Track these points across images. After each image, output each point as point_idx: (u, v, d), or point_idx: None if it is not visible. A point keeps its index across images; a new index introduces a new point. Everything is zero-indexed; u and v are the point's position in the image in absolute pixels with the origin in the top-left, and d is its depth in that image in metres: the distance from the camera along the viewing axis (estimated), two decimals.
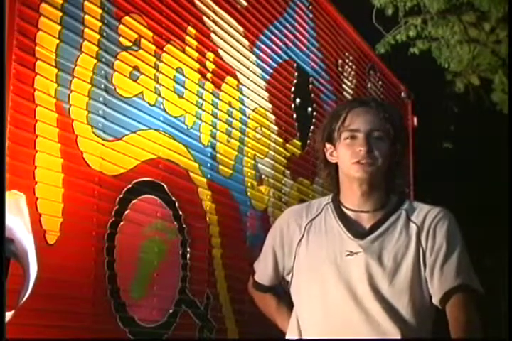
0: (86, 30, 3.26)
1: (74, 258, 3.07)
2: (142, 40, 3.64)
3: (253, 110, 4.68)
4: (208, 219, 4.08)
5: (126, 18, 3.54)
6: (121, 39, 3.50)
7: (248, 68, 4.64)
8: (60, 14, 3.11)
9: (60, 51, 3.09)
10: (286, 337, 2.48)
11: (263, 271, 2.54)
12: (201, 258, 3.98)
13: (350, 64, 6.32)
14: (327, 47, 5.88)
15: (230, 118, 4.38)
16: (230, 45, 4.44)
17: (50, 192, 2.96)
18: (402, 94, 7.67)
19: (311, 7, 5.63)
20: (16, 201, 2.77)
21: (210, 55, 4.22)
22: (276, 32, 5.03)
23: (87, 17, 3.27)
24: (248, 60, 4.65)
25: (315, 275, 2.38)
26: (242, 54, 4.57)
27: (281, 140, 5.02)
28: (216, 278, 4.09)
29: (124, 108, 3.48)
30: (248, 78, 4.63)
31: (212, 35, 4.26)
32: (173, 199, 3.76)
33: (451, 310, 2.29)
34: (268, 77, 4.90)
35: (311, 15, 5.61)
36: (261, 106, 4.79)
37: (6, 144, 2.68)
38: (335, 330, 2.33)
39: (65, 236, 2.99)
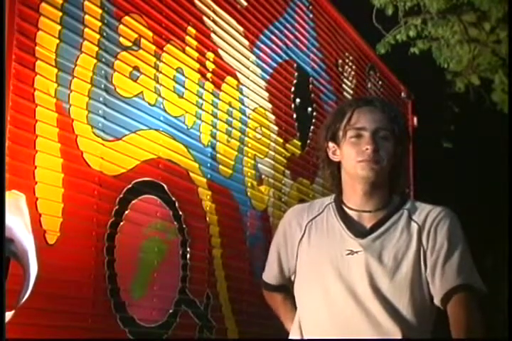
0: (86, 30, 3.26)
1: (74, 258, 3.07)
2: (142, 40, 3.64)
3: (253, 110, 4.68)
4: (208, 219, 4.08)
5: (126, 18, 3.54)
6: (121, 39, 3.50)
7: (248, 68, 4.64)
8: (60, 14, 3.11)
9: (60, 51, 3.09)
10: (290, 337, 2.48)
11: (269, 271, 2.56)
12: (201, 258, 3.98)
13: (350, 64, 6.32)
14: (327, 47, 5.88)
15: (230, 118, 4.38)
16: (230, 45, 4.44)
17: (50, 192, 2.96)
18: (402, 94, 7.67)
19: (311, 7, 5.63)
20: (16, 201, 2.77)
21: (210, 55, 4.22)
22: (277, 32, 5.03)
23: (87, 17, 3.27)
24: (248, 60, 4.65)
25: (316, 274, 2.38)
26: (242, 54, 4.57)
27: (281, 140, 5.02)
28: (216, 278, 4.09)
29: (124, 108, 3.48)
30: (248, 78, 4.63)
31: (212, 35, 4.26)
32: (173, 199, 3.76)
33: (453, 310, 2.29)
34: (268, 77, 4.90)
35: (311, 16, 5.61)
36: (261, 106, 4.79)
37: (6, 144, 2.68)
38: (336, 329, 2.32)
39: (65, 236, 2.99)
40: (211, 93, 4.20)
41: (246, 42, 4.64)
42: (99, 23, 3.35)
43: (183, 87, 3.95)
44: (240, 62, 4.54)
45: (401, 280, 2.31)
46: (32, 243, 2.79)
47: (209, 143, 4.15)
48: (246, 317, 4.20)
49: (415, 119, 7.84)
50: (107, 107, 3.36)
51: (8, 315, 2.58)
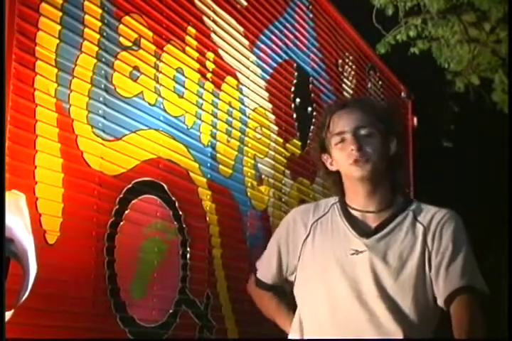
0: (86, 30, 3.26)
1: (74, 258, 3.07)
2: (142, 40, 3.64)
3: (253, 110, 4.68)
4: (208, 219, 4.08)
5: (126, 18, 3.54)
6: (121, 39, 3.50)
7: (248, 68, 4.64)
8: (60, 14, 3.11)
9: (60, 51, 3.09)
10: (289, 337, 2.47)
11: (266, 269, 2.54)
12: (201, 258, 3.98)
13: (350, 64, 6.32)
14: (327, 47, 5.88)
15: (230, 118, 4.38)
16: (230, 45, 4.44)
17: (50, 192, 2.96)
18: (402, 94, 7.67)
19: (311, 7, 5.63)
20: (16, 201, 2.77)
21: (210, 54, 4.22)
22: (277, 32, 5.03)
23: (87, 17, 3.27)
24: (248, 59, 4.65)
25: (320, 273, 2.38)
26: (242, 54, 4.57)
27: (281, 140, 5.02)
28: (216, 278, 4.09)
29: (124, 108, 3.48)
30: (248, 78, 4.63)
31: (212, 35, 4.26)
32: (173, 199, 3.76)
33: (455, 311, 2.29)
34: (268, 77, 4.90)
35: (311, 15, 5.61)
36: (261, 106, 4.79)
37: (6, 144, 2.68)
38: (338, 329, 2.32)
39: (65, 236, 2.99)
40: (211, 93, 4.20)
41: (246, 42, 4.64)
42: (99, 23, 3.35)
43: (183, 86, 3.95)
44: (240, 62, 4.54)
45: (405, 281, 2.31)
46: (32, 243, 2.79)
47: (209, 143, 4.15)
48: (246, 317, 4.20)
49: (415, 119, 7.84)
50: (107, 107, 3.36)
51: (8, 314, 2.58)
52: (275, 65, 5.01)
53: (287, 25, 5.20)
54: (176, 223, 3.79)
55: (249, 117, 4.62)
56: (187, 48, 4.00)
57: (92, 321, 3.14)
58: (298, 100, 5.28)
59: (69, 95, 3.13)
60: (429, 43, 8.37)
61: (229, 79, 4.41)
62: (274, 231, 2.61)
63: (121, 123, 3.45)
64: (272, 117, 4.93)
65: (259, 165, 4.70)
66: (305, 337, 2.40)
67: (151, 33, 3.70)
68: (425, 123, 8.06)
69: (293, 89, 5.25)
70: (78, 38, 3.21)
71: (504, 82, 8.35)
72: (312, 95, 5.54)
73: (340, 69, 6.13)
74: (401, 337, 2.28)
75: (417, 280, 2.32)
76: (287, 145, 5.10)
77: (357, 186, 2.38)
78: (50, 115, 3.01)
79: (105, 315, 3.24)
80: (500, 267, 8.32)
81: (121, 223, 3.36)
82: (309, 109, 5.47)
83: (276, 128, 4.97)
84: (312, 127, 5.43)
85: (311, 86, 5.55)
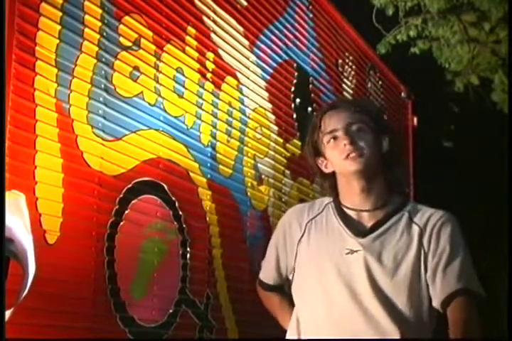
0: (86, 30, 3.26)
1: (74, 258, 3.07)
2: (142, 40, 3.64)
3: (253, 110, 4.68)
4: (208, 219, 4.08)
5: (126, 17, 3.54)
6: (121, 39, 3.50)
7: (248, 68, 4.64)
8: (60, 14, 3.11)
9: (60, 51, 3.09)
10: (287, 337, 2.48)
11: (267, 270, 2.56)
12: (201, 258, 3.98)
13: (350, 64, 6.32)
14: (327, 47, 5.88)
15: (230, 118, 4.38)
16: (230, 45, 4.44)
17: (50, 192, 2.96)
18: (402, 94, 7.67)
19: (311, 7, 5.63)
20: (15, 201, 2.77)
21: (210, 54, 4.22)
22: (276, 32, 5.03)
23: (87, 17, 3.27)
24: (248, 59, 4.65)
25: (315, 273, 2.38)
26: (242, 54, 4.57)
27: (281, 140, 5.02)
28: (216, 278, 4.09)
29: (124, 108, 3.48)
30: (248, 78, 4.63)
31: (212, 35, 4.26)
32: (173, 199, 3.76)
33: (452, 313, 2.29)
34: (268, 77, 4.90)
35: (311, 15, 5.61)
36: (261, 106, 4.79)
37: (6, 144, 2.68)
38: (334, 328, 2.33)
39: (65, 236, 2.99)
40: (211, 93, 4.20)
41: (246, 42, 4.64)
42: (99, 23, 3.35)
43: (183, 86, 3.95)
44: (240, 62, 4.54)
45: (400, 281, 2.31)
46: (32, 243, 2.79)
47: (209, 143, 4.15)
48: (246, 317, 4.20)
49: (415, 119, 7.84)
50: (107, 107, 3.36)
51: (7, 313, 2.58)
52: (275, 64, 5.01)
53: (287, 25, 5.20)
54: (175, 223, 3.79)
55: (249, 117, 4.62)
56: (187, 48, 4.00)
57: (92, 321, 3.14)
58: (298, 100, 5.28)
59: (69, 95, 3.13)
60: (429, 43, 8.38)
61: (229, 79, 4.41)
62: (273, 231, 2.62)
63: (121, 124, 3.45)
64: (272, 117, 4.93)
65: (259, 165, 4.70)
66: (302, 337, 2.41)
67: (151, 33, 3.70)
68: (425, 123, 8.06)
69: (293, 89, 5.25)
70: (78, 38, 3.22)
71: (504, 82, 8.36)
72: (312, 95, 5.54)
73: (340, 69, 6.13)
74: (397, 336, 2.28)
75: (411, 281, 2.32)
76: (287, 145, 5.10)
77: (352, 182, 2.38)
78: (50, 115, 3.01)
79: (105, 315, 3.24)
80: (498, 268, 8.32)
81: (121, 223, 3.36)
82: (309, 109, 5.47)
83: (276, 128, 4.97)
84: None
85: (311, 86, 5.55)
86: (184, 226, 3.83)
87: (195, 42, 4.08)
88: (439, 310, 2.33)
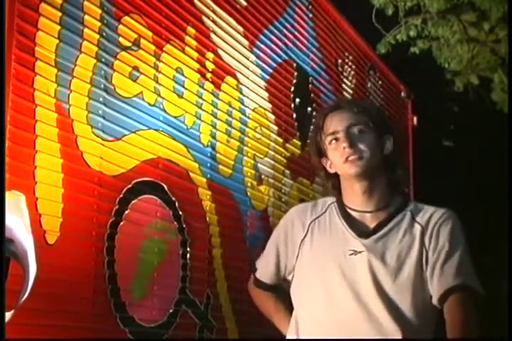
0: (86, 30, 3.26)
1: (74, 258, 3.07)
2: (142, 40, 3.64)
3: (253, 110, 4.68)
4: (207, 219, 4.08)
5: (126, 18, 3.54)
6: (120, 39, 3.50)
7: (248, 68, 4.64)
8: (60, 14, 3.11)
9: (59, 51, 3.09)
10: (287, 337, 2.48)
11: (265, 269, 2.55)
12: (201, 258, 3.98)
13: (349, 64, 6.32)
14: (327, 47, 5.87)
15: (229, 118, 4.38)
16: (230, 45, 4.44)
17: (50, 192, 2.96)
18: (402, 93, 7.67)
19: (310, 7, 5.63)
20: (15, 201, 2.77)
21: (209, 55, 4.22)
22: (276, 32, 5.03)
23: (86, 17, 3.27)
24: (248, 59, 4.65)
25: (318, 273, 2.38)
26: (241, 54, 4.57)
27: (281, 140, 5.02)
28: (216, 278, 4.09)
29: (123, 108, 3.48)
30: (248, 78, 4.63)
31: (212, 35, 4.26)
32: (173, 199, 3.76)
33: (449, 309, 2.30)
34: (268, 77, 4.90)
35: (310, 15, 5.61)
36: (261, 106, 4.79)
37: (6, 144, 2.68)
38: (337, 329, 2.33)
39: (65, 236, 2.99)
40: (211, 93, 4.20)
41: (246, 42, 4.64)
42: (99, 23, 3.35)
43: (183, 87, 3.95)
44: (240, 62, 4.54)
45: (404, 281, 2.32)
46: (32, 243, 2.79)
47: (209, 143, 4.15)
48: (246, 317, 4.20)
49: (415, 119, 7.83)
50: (107, 107, 3.36)
51: (8, 315, 2.58)
52: (275, 64, 5.01)
53: (287, 25, 5.20)
54: (175, 223, 3.79)
55: (248, 117, 4.62)
56: (186, 48, 4.00)
57: (92, 321, 3.14)
58: (298, 100, 5.28)
59: (69, 95, 3.13)
60: (429, 43, 8.38)
61: (228, 79, 4.41)
62: (274, 230, 2.62)
63: (121, 124, 3.45)
64: (272, 117, 4.93)
65: (259, 165, 4.70)
66: (301, 337, 2.41)
67: (150, 33, 3.70)
68: (425, 123, 8.06)
69: (293, 89, 5.25)
70: (78, 38, 3.21)
71: (503, 82, 8.36)
72: (312, 95, 5.54)
73: (339, 69, 6.13)
74: (400, 337, 2.28)
75: (415, 281, 2.32)
76: (287, 145, 5.10)
77: (353, 184, 2.39)
78: (49, 115, 3.01)
79: (105, 314, 3.24)
80: (498, 267, 8.32)
81: (121, 223, 3.36)
82: (309, 108, 5.46)
83: (276, 128, 4.97)
84: (312, 127, 5.43)
85: (310, 86, 5.55)
86: (184, 226, 3.83)
87: (194, 43, 4.08)
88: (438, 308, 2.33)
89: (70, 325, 3.02)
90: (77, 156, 3.15)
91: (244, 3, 4.64)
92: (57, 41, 3.08)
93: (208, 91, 4.17)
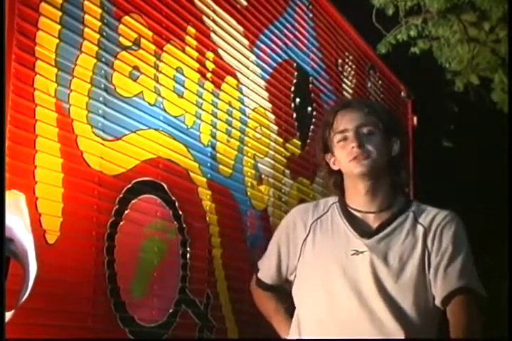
0: (86, 29, 3.26)
1: (74, 258, 3.07)
2: (142, 39, 3.64)
3: (253, 110, 4.68)
4: (207, 218, 4.08)
5: (126, 17, 3.54)
6: (121, 39, 3.49)
7: (248, 68, 4.64)
8: (60, 14, 3.11)
9: (59, 51, 3.09)
10: (288, 337, 2.48)
11: (266, 269, 2.55)
12: (201, 258, 3.98)
13: (350, 63, 6.32)
14: (327, 46, 5.87)
15: (229, 118, 4.38)
16: (230, 45, 4.44)
17: (50, 192, 2.96)
18: (402, 93, 7.66)
19: (311, 7, 5.63)
20: (15, 201, 2.77)
21: (209, 54, 4.22)
22: (276, 31, 5.03)
23: (86, 17, 3.27)
24: (248, 59, 4.65)
25: (320, 273, 2.38)
26: (242, 54, 4.57)
27: (281, 139, 5.02)
28: (216, 278, 4.09)
29: (123, 108, 3.48)
30: (248, 78, 4.63)
31: (212, 34, 4.26)
32: (173, 198, 3.76)
33: (452, 311, 2.30)
34: (268, 77, 4.90)
35: (311, 15, 5.61)
36: (261, 106, 4.79)
37: (6, 144, 2.68)
38: (339, 329, 2.33)
39: (64, 236, 2.99)
40: (211, 93, 4.20)
41: (246, 42, 4.64)
42: (99, 23, 3.35)
43: (183, 86, 3.95)
44: (240, 62, 4.54)
45: (406, 282, 2.32)
46: (32, 243, 2.79)
47: (209, 143, 4.15)
48: (246, 317, 4.20)
49: (415, 119, 7.83)
50: (107, 107, 3.36)
51: (8, 314, 2.58)
52: (275, 64, 5.01)
53: (287, 25, 5.20)
54: (175, 223, 3.78)
55: (249, 117, 4.62)
56: (187, 48, 4.00)
57: (92, 321, 3.14)
58: (298, 100, 5.28)
59: (69, 95, 3.13)
60: (429, 43, 8.38)
61: (229, 78, 4.40)
62: (274, 231, 2.61)
63: (121, 123, 3.45)
64: (272, 117, 4.93)
65: (259, 164, 4.70)
66: (304, 337, 2.40)
67: (150, 33, 3.70)
68: (425, 123, 8.06)
69: (293, 88, 5.24)
70: (78, 37, 3.21)
71: (504, 82, 8.35)
72: (312, 95, 5.54)
73: (340, 68, 6.13)
74: (402, 337, 2.28)
75: (417, 282, 2.32)
76: (287, 145, 5.10)
77: (357, 184, 2.39)
78: (50, 115, 3.01)
79: (105, 314, 3.24)
80: (498, 268, 8.32)
81: (121, 223, 3.36)
82: (309, 108, 5.46)
83: (276, 127, 4.97)
84: (312, 127, 5.44)
85: (310, 86, 5.55)
86: (184, 225, 3.83)
87: (195, 42, 4.08)
88: (442, 309, 2.33)
89: (70, 325, 3.02)
90: (77, 156, 3.15)
91: (245, 3, 4.64)
92: (57, 41, 3.08)
93: (208, 91, 4.17)
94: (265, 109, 4.85)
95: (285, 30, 5.17)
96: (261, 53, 4.82)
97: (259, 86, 4.78)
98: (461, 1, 7.94)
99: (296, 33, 5.35)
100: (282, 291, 2.54)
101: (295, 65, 5.30)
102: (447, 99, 9.63)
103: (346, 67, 6.25)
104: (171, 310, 3.67)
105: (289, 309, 2.50)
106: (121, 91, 3.47)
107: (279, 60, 5.06)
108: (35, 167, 2.90)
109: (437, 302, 2.32)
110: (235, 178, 4.39)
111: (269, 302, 2.58)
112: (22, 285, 2.73)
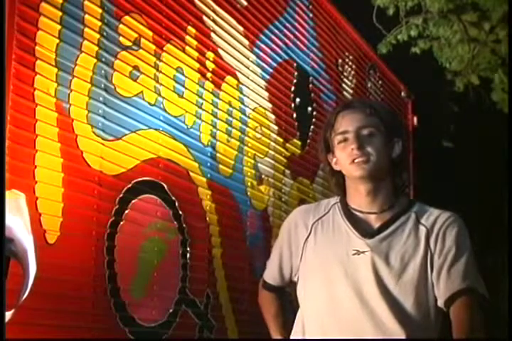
0: (86, 29, 3.26)
1: (74, 258, 3.07)
2: (142, 39, 3.64)
3: (253, 109, 4.68)
4: (207, 218, 4.08)
5: (126, 17, 3.54)
6: (121, 39, 3.50)
7: (248, 68, 4.64)
8: (60, 14, 3.11)
9: (60, 51, 3.09)
10: (291, 336, 2.48)
11: (271, 271, 2.55)
12: (201, 258, 3.98)
13: (350, 63, 6.32)
14: (327, 46, 5.88)
15: (230, 118, 4.38)
16: (230, 45, 4.44)
17: (50, 192, 2.96)
18: (402, 93, 7.67)
19: (311, 7, 5.63)
20: (16, 200, 2.77)
21: (210, 54, 4.22)
22: (276, 31, 5.03)
23: (87, 16, 3.27)
24: (248, 59, 4.65)
25: (321, 273, 2.38)
26: (242, 53, 4.57)
27: (281, 139, 5.02)
28: (216, 278, 4.09)
29: (124, 107, 3.48)
30: (248, 78, 4.63)
31: (212, 34, 4.26)
32: (173, 198, 3.76)
33: (456, 312, 2.29)
34: (268, 77, 4.90)
35: (311, 15, 5.61)
36: (261, 106, 4.79)
37: (6, 144, 2.68)
38: (340, 329, 2.32)
39: (65, 236, 2.99)
40: (211, 92, 4.20)
41: (246, 42, 4.64)
42: (99, 23, 3.35)
43: (183, 86, 3.95)
44: (240, 62, 4.54)
45: (407, 282, 2.31)
46: (32, 242, 2.79)
47: (209, 143, 4.15)
48: (246, 317, 4.20)
49: (415, 119, 7.83)
50: (107, 107, 3.36)
51: (8, 314, 2.58)
52: (275, 64, 5.01)
53: (287, 24, 5.20)
54: (175, 223, 3.79)
55: (249, 117, 4.62)
56: (187, 48, 4.00)
57: (92, 320, 3.14)
58: (298, 100, 5.28)
59: (69, 95, 3.13)
60: (430, 43, 8.38)
61: (229, 78, 4.41)
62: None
63: (121, 123, 3.45)
64: (272, 117, 4.93)
65: (259, 164, 4.70)
66: (307, 337, 2.40)
67: (151, 33, 3.70)
68: (425, 123, 8.06)
69: (293, 88, 5.25)
70: (78, 37, 3.21)
71: (504, 82, 8.35)
72: (312, 95, 5.54)
73: (340, 68, 6.13)
74: (404, 337, 2.28)
75: (419, 282, 2.32)
76: (287, 144, 5.10)
77: (358, 185, 2.39)
78: (50, 115, 3.01)
79: (105, 314, 3.24)
80: (497, 268, 8.32)
81: (121, 223, 3.36)
82: (309, 108, 5.47)
83: (276, 127, 4.97)
84: (312, 127, 5.44)
85: (311, 85, 5.55)
86: (184, 225, 3.83)
87: (195, 42, 4.08)
88: (444, 310, 2.33)
89: (70, 325, 3.02)
90: (77, 156, 3.15)
91: (245, 3, 4.64)
92: (57, 41, 3.08)
93: (208, 90, 4.17)
94: (265, 108, 4.85)
95: (285, 30, 5.17)
96: (261, 53, 4.82)
97: (259, 86, 4.78)
98: (463, 2, 7.94)
99: (296, 33, 5.35)
100: (286, 294, 2.53)
101: (295, 64, 5.30)
102: (447, 99, 9.62)
103: (346, 67, 6.25)
104: (171, 310, 3.67)
105: (290, 315, 2.50)
106: (122, 91, 3.47)
107: (279, 59, 5.06)
108: (35, 167, 2.91)
109: (440, 303, 2.32)
110: (235, 178, 4.39)
111: (271, 305, 2.58)
112: (22, 285, 2.73)
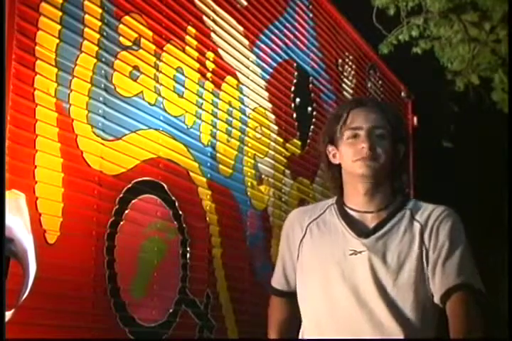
0: (86, 29, 3.26)
1: (74, 258, 3.07)
2: (142, 39, 3.64)
3: (253, 109, 4.68)
4: (207, 218, 4.08)
5: (126, 17, 3.54)
6: (121, 38, 3.50)
7: (248, 68, 4.64)
8: (60, 14, 3.11)
9: (60, 51, 3.09)
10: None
11: (276, 275, 2.56)
12: (201, 258, 3.98)
13: (350, 63, 6.33)
14: (327, 46, 5.88)
15: (230, 118, 4.38)
16: (230, 45, 4.44)
17: (50, 192, 2.96)
18: (402, 93, 7.67)
19: (311, 7, 5.63)
20: (16, 200, 2.77)
21: (210, 54, 4.22)
22: (276, 31, 5.03)
23: (87, 16, 3.27)
24: (248, 59, 4.65)
25: (319, 274, 2.37)
26: (242, 53, 4.57)
27: (281, 139, 5.02)
28: (216, 278, 4.09)
29: (124, 107, 3.48)
30: (248, 78, 4.63)
31: (212, 34, 4.26)
32: (173, 198, 3.76)
33: (452, 308, 2.28)
34: (268, 77, 4.90)
35: (311, 15, 5.61)
36: (261, 106, 4.79)
37: (6, 144, 2.68)
38: (338, 329, 2.32)
39: (65, 236, 2.99)
40: (211, 92, 4.20)
41: (246, 42, 4.64)
42: (99, 23, 3.35)
43: (183, 86, 3.95)
44: (240, 62, 4.54)
45: (405, 281, 2.31)
46: (32, 242, 2.79)
47: (209, 143, 4.15)
48: (246, 317, 4.20)
49: (415, 119, 7.83)
50: (107, 107, 3.36)
51: (8, 314, 2.58)
52: (275, 64, 5.01)
53: (287, 24, 5.21)
54: (175, 223, 3.79)
55: (249, 117, 4.62)
56: (187, 48, 4.00)
57: (92, 320, 3.14)
58: (298, 100, 5.28)
59: (69, 95, 3.13)
60: (431, 43, 8.37)
61: (229, 78, 4.41)
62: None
63: (121, 123, 3.45)
64: (272, 117, 4.93)
65: (259, 164, 4.70)
66: (305, 337, 2.41)
67: (151, 33, 3.70)
68: (425, 123, 8.06)
69: (293, 88, 5.25)
70: (78, 37, 3.22)
71: (504, 82, 8.35)
72: (312, 95, 5.55)
73: (340, 68, 6.13)
74: (402, 336, 2.27)
75: (416, 280, 2.32)
76: (287, 144, 5.10)
77: (357, 183, 2.38)
78: (50, 115, 3.01)
79: (105, 314, 3.24)
80: (500, 267, 8.32)
81: (121, 223, 3.36)
82: (309, 108, 5.47)
83: (276, 127, 4.97)
84: (312, 127, 5.44)
85: (311, 85, 5.55)
86: (184, 225, 3.83)
87: (195, 42, 4.08)
88: (440, 307, 2.32)
89: (70, 325, 3.02)
90: (77, 156, 3.15)
91: (245, 3, 4.64)
92: (57, 41, 3.09)
93: (208, 90, 4.17)
94: (265, 108, 4.85)
95: (285, 30, 5.17)
96: (261, 53, 4.82)
97: (259, 86, 4.78)
98: (463, 2, 7.93)
99: (296, 32, 5.35)
100: (294, 299, 2.50)
101: (295, 64, 5.30)
102: (447, 99, 9.62)
103: (346, 67, 6.25)
104: (171, 310, 3.67)
105: (292, 323, 2.50)
106: (122, 91, 3.47)
107: (279, 59, 5.07)
108: (35, 167, 2.91)
109: (436, 299, 2.31)
110: (235, 178, 4.39)
111: (275, 311, 2.56)
112: (22, 285, 2.73)
